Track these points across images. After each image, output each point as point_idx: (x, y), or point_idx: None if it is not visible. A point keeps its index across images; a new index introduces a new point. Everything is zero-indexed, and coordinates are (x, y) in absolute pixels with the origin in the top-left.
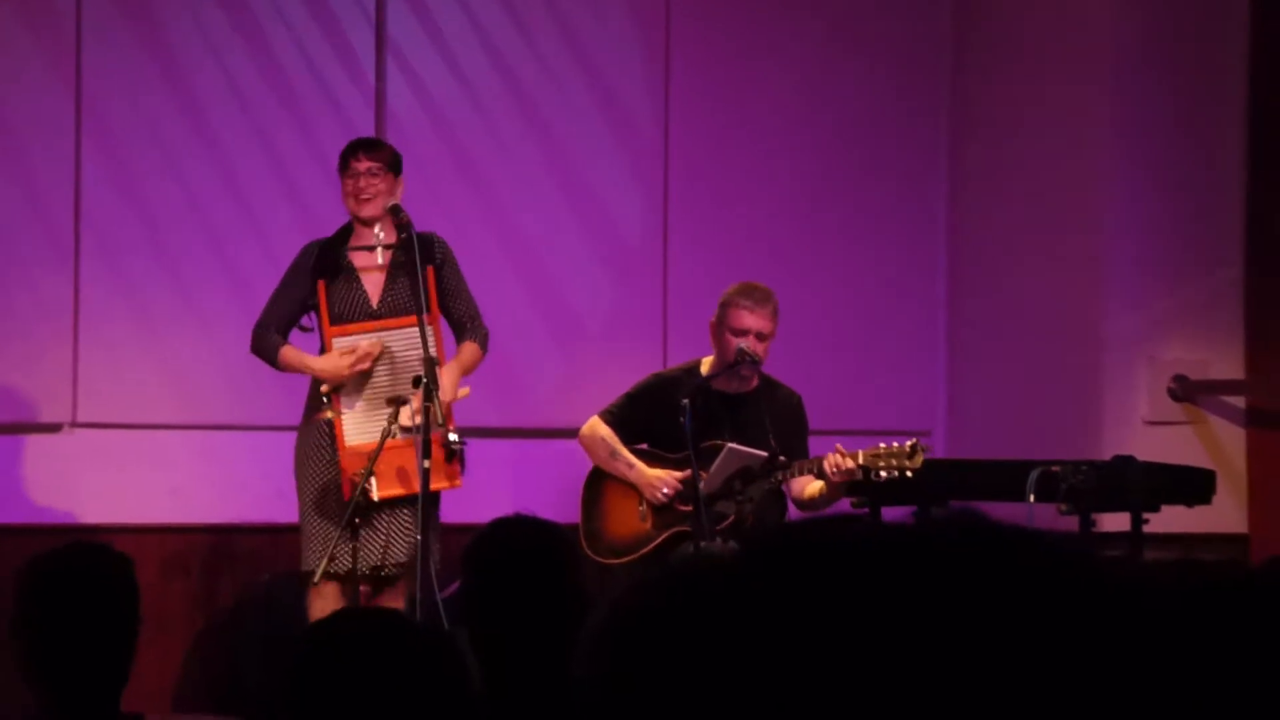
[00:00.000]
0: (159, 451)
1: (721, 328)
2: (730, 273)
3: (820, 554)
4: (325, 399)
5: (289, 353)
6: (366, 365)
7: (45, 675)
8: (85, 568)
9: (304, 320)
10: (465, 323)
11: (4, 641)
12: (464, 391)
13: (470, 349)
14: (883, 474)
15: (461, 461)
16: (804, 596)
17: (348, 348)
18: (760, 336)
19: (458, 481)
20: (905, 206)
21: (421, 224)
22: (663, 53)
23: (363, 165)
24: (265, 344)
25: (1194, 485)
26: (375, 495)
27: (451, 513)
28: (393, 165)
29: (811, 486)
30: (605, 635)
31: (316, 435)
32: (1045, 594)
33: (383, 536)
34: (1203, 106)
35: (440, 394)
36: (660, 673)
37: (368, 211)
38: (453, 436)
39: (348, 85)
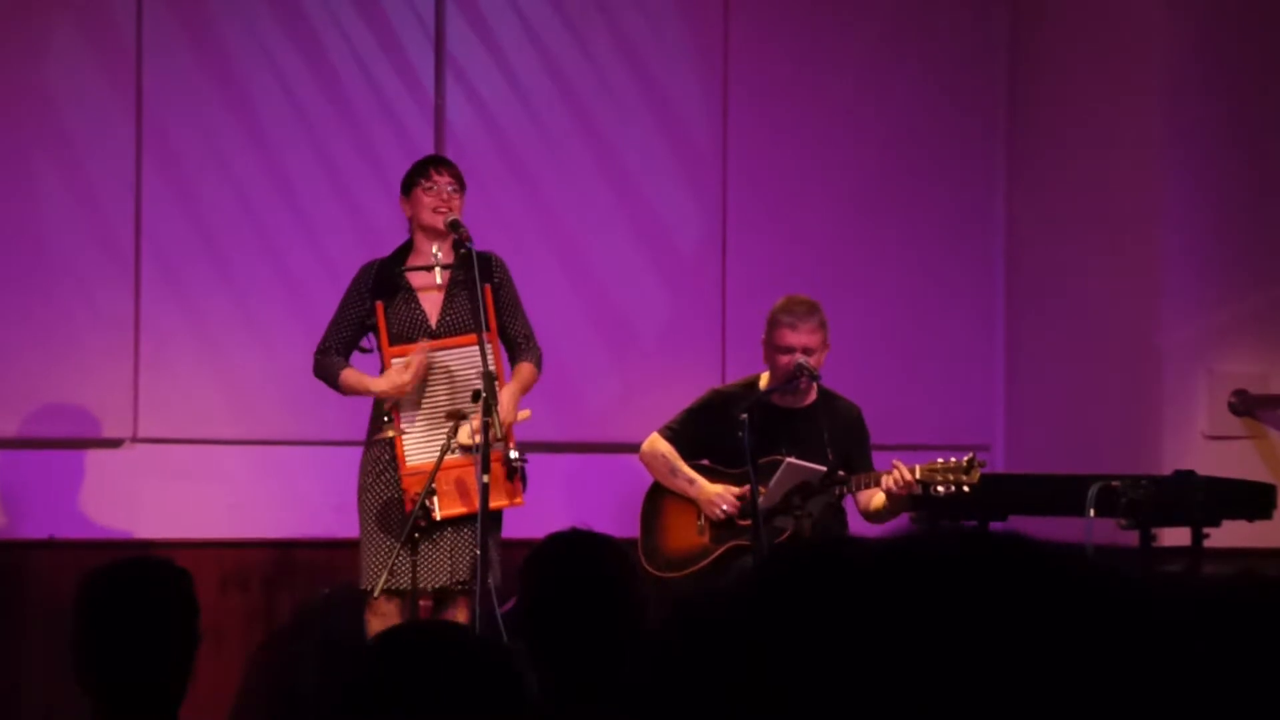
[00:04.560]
0: (218, 466)
1: (769, 345)
2: (788, 284)
3: (812, 570)
4: (388, 417)
5: (349, 375)
6: (421, 375)
7: (103, 687)
8: (146, 582)
9: (363, 342)
10: (520, 342)
11: (64, 652)
12: (525, 414)
13: (527, 369)
14: (940, 489)
15: (523, 479)
16: (802, 609)
17: (402, 364)
18: (807, 351)
19: (519, 500)
20: (963, 219)
21: (479, 237)
22: (720, 64)
23: (445, 180)
24: (327, 368)
25: (1255, 500)
26: (438, 514)
27: (510, 528)
28: (463, 185)
29: (877, 499)
30: (653, 646)
31: (378, 454)
32: (1048, 605)
33: (447, 555)
34: (1260, 117)
35: (500, 412)
36: (699, 685)
37: (445, 222)
38: (514, 454)
39: (407, 101)
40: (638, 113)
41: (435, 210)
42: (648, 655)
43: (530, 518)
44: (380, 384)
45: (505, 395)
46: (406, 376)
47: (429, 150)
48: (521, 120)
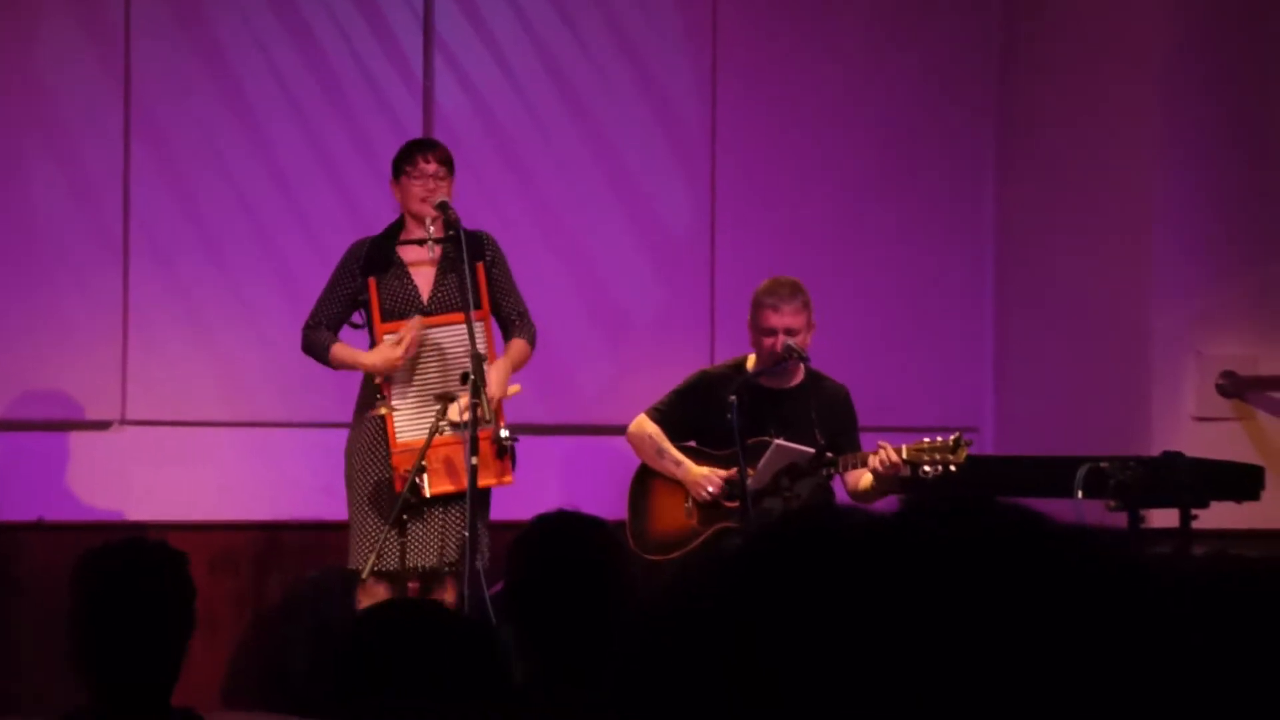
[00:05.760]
0: (208, 448)
1: (754, 328)
2: (777, 268)
3: (821, 545)
4: (380, 395)
5: (340, 350)
6: (414, 350)
7: (98, 669)
8: (141, 564)
9: (355, 317)
10: (514, 319)
11: (54, 632)
12: (514, 389)
13: (519, 345)
14: (927, 469)
15: (513, 458)
16: (799, 586)
17: (394, 339)
18: (790, 332)
19: (508, 478)
20: (953, 203)
21: (469, 221)
22: (710, 48)
23: (431, 167)
24: (316, 343)
25: (1242, 481)
26: (428, 491)
27: (499, 509)
28: (452, 167)
29: (864, 479)
30: (640, 628)
31: (369, 432)
32: (1045, 577)
33: (437, 535)
34: (1251, 100)
35: (488, 390)
36: (687, 666)
37: (433, 205)
38: (504, 433)
39: (396, 83)
40: (628, 97)
41: (422, 199)
42: (634, 637)
43: (520, 499)
44: (372, 358)
45: (495, 370)
46: (399, 351)
47: (419, 133)
48: (511, 104)
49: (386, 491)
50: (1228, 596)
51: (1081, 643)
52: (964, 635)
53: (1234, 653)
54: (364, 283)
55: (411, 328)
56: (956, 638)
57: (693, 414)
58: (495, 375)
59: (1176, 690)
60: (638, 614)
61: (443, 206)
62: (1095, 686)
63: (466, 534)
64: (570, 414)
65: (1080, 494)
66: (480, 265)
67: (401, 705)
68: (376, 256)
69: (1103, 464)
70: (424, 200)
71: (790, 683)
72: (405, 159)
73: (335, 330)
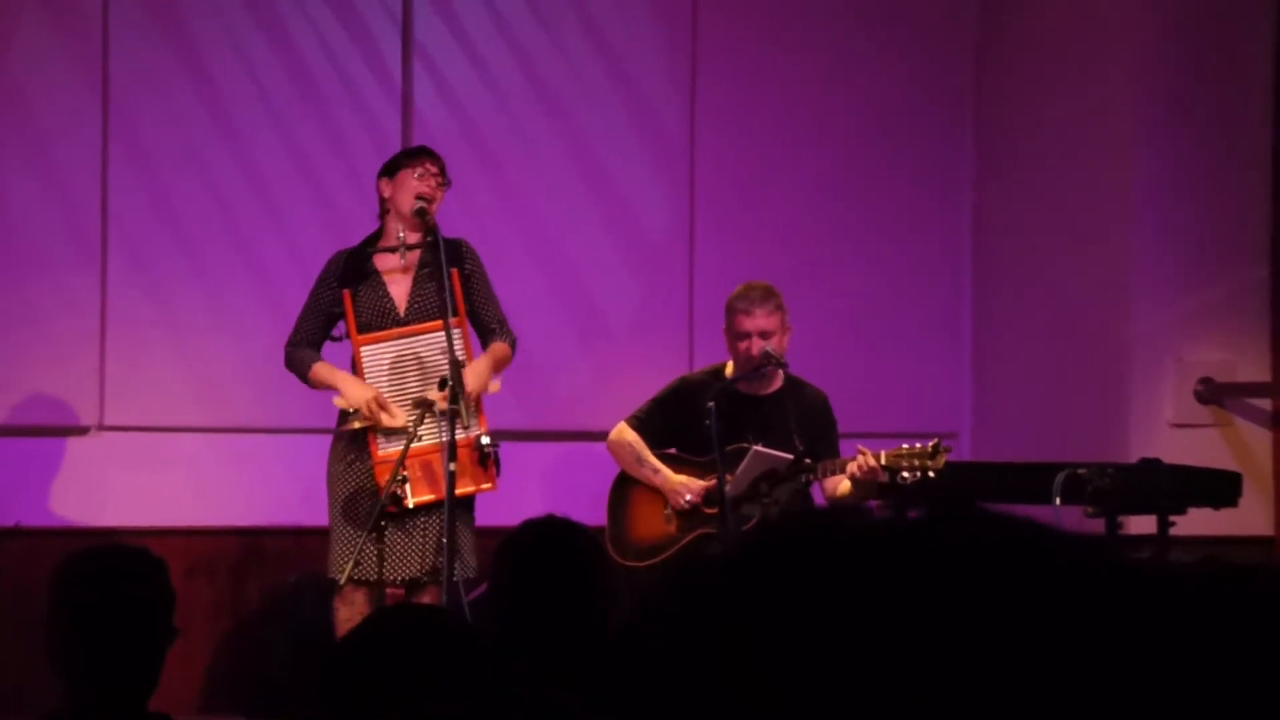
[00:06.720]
0: (185, 454)
1: (729, 333)
2: (756, 272)
3: (814, 547)
4: (353, 412)
5: (321, 370)
6: (382, 422)
7: (78, 673)
8: (124, 569)
9: (334, 330)
10: (494, 327)
11: (32, 638)
12: (495, 386)
13: (500, 347)
14: (905, 474)
15: (496, 464)
16: (792, 588)
17: (383, 401)
18: (765, 335)
19: (488, 485)
20: (931, 207)
21: (448, 225)
22: (688, 48)
23: (434, 169)
24: (298, 361)
25: (1220, 488)
26: (410, 502)
27: (482, 515)
28: (447, 181)
29: (843, 485)
30: (631, 630)
31: (348, 443)
32: (1043, 584)
33: (417, 544)
34: (1230, 107)
35: (466, 385)
36: (679, 669)
37: (411, 210)
38: (484, 439)
39: (374, 87)
40: (606, 99)
41: (418, 195)
42: (627, 639)
43: (498, 505)
44: (350, 392)
45: (475, 367)
46: (373, 406)
47: (397, 137)
48: (489, 108)
49: (366, 500)
50: (1220, 601)
51: (1074, 646)
52: (957, 637)
53: (1228, 657)
54: (339, 295)
55: (395, 420)
56: (950, 640)
57: (672, 421)
58: (474, 372)
59: (1171, 694)
60: (630, 616)
61: (420, 213)
62: (1089, 690)
63: (444, 540)
64: (549, 420)
65: (1058, 500)
66: (455, 272)
67: (397, 712)
68: (351, 268)
69: (1081, 470)
70: (419, 197)
71: (785, 685)
72: (411, 156)
73: (318, 345)
